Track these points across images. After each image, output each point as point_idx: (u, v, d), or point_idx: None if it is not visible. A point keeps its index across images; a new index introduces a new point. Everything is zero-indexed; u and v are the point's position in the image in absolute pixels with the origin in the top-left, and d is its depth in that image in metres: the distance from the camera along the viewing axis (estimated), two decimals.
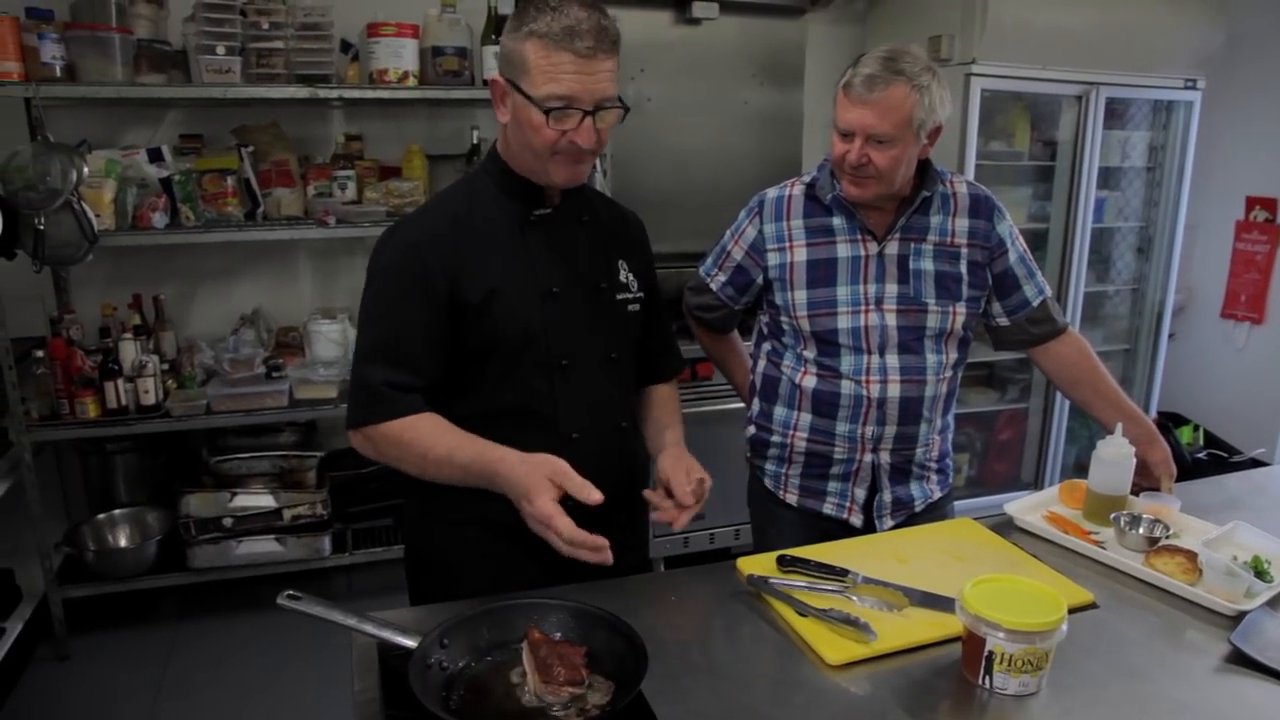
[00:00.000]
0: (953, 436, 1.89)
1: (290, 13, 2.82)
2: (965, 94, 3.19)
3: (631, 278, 1.55)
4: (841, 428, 1.75)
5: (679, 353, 1.74)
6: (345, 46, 3.01)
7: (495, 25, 2.94)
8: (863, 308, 1.71)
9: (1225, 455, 3.89)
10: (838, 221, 1.74)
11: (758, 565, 1.44)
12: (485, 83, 2.94)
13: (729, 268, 1.85)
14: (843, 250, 1.73)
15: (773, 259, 1.77)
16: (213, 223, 2.90)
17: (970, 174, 3.27)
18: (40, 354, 2.75)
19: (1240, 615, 1.31)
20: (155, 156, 2.90)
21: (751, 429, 1.91)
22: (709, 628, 1.36)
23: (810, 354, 1.77)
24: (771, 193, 1.81)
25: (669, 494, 1.43)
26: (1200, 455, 3.90)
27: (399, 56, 2.89)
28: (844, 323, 1.72)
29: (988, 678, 1.14)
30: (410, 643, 1.14)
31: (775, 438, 1.84)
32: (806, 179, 1.79)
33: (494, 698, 1.12)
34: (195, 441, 3.13)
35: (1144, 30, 3.37)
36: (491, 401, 1.43)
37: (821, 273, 1.73)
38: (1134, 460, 1.63)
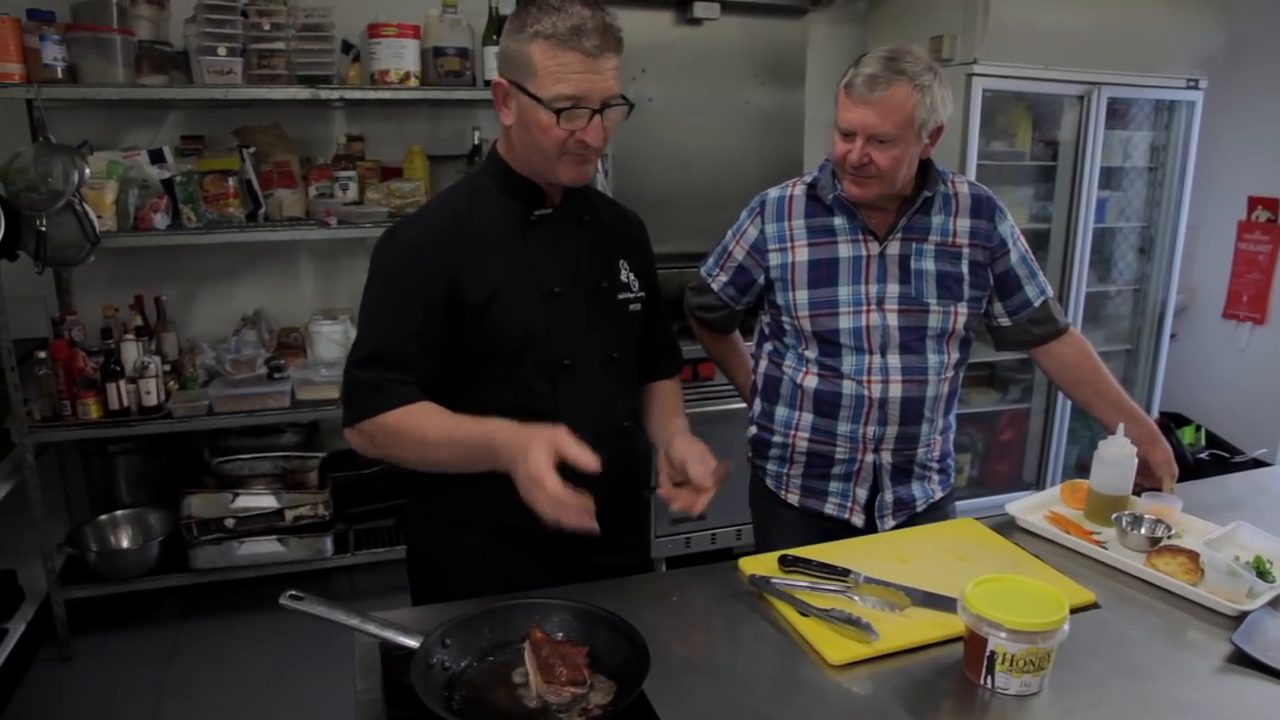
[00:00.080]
0: (954, 436, 1.89)
1: (291, 14, 2.82)
2: (967, 94, 3.19)
3: (632, 277, 1.55)
4: (843, 428, 1.75)
5: (679, 351, 1.74)
6: (346, 47, 3.01)
7: (496, 26, 2.94)
8: (864, 308, 1.71)
9: (1227, 455, 3.88)
10: (839, 221, 1.74)
11: (759, 565, 1.44)
12: (487, 83, 2.96)
13: (730, 268, 1.85)
14: (844, 250, 1.73)
15: (774, 259, 1.77)
16: (214, 224, 2.91)
17: (972, 174, 3.27)
18: (42, 355, 2.76)
19: (1242, 615, 1.31)
20: (157, 158, 2.90)
21: (753, 429, 1.91)
22: (711, 628, 1.36)
23: (812, 354, 1.77)
24: (773, 193, 1.81)
25: (677, 485, 1.41)
26: (1202, 455, 3.90)
27: (400, 57, 2.89)
28: (845, 323, 1.72)
29: (990, 678, 1.14)
30: (412, 643, 1.14)
31: (777, 438, 1.84)
32: (808, 179, 1.79)
33: (496, 698, 1.12)
34: (197, 442, 3.13)
35: (1146, 30, 3.36)
36: (492, 402, 1.42)
37: (823, 273, 1.73)
38: (1136, 460, 1.63)
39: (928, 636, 1.26)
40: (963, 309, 1.74)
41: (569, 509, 1.20)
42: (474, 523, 1.48)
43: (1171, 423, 4.02)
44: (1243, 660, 1.22)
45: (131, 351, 2.82)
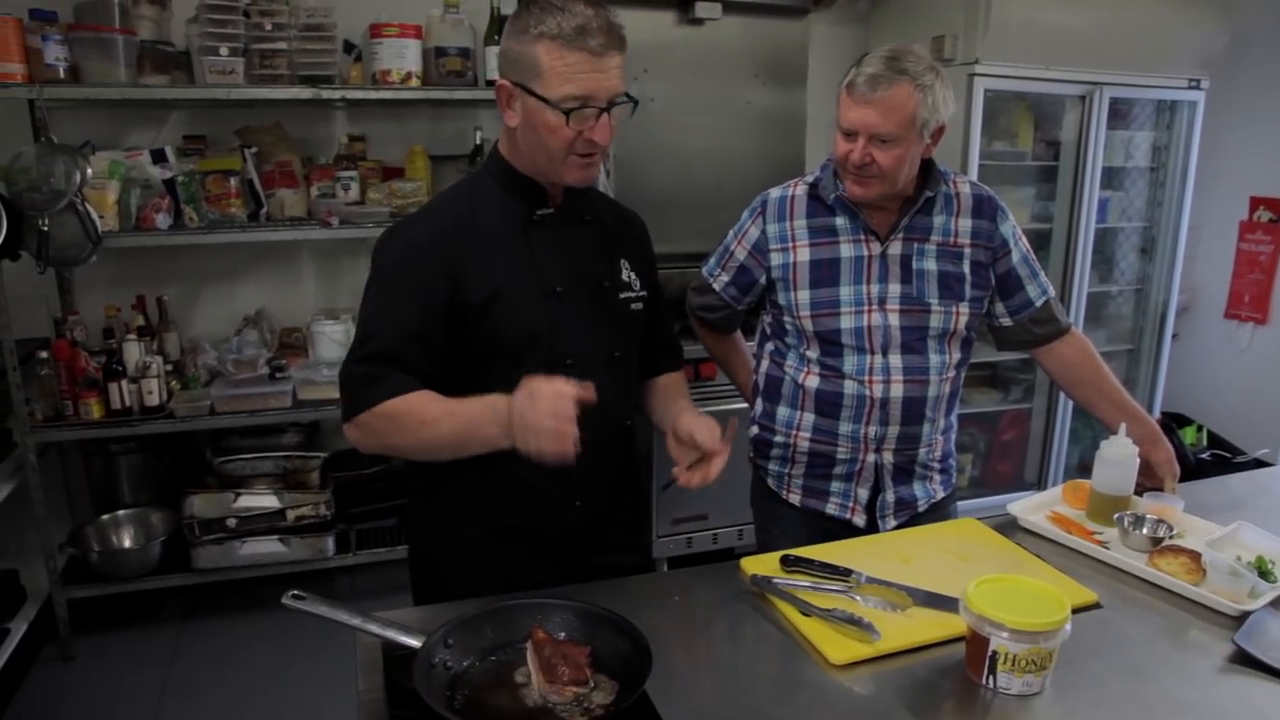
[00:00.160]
0: (956, 436, 1.89)
1: (293, 14, 2.82)
2: (968, 94, 3.18)
3: (634, 277, 1.55)
4: (844, 428, 1.75)
5: (680, 350, 1.74)
6: (348, 47, 3.01)
7: (498, 25, 2.94)
8: (866, 308, 1.71)
9: (1229, 456, 3.88)
10: (841, 221, 1.74)
11: (761, 565, 1.44)
12: (489, 83, 2.96)
13: (732, 268, 1.85)
14: (846, 250, 1.73)
15: (776, 259, 1.77)
16: (216, 224, 2.91)
17: (973, 174, 3.26)
18: (44, 355, 2.76)
19: (1244, 615, 1.31)
20: (159, 157, 2.90)
21: (754, 429, 1.91)
22: (712, 628, 1.36)
23: (813, 354, 1.77)
24: (774, 193, 1.81)
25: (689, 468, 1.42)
26: (1204, 455, 3.90)
27: (402, 57, 2.89)
28: (847, 323, 1.72)
29: (991, 677, 1.14)
30: (414, 642, 1.14)
31: (778, 438, 1.84)
32: (809, 179, 1.79)
33: (498, 697, 1.12)
34: (199, 442, 3.13)
35: (1148, 30, 3.36)
36: None
37: (824, 273, 1.73)
38: (1137, 460, 1.63)
39: (929, 636, 1.26)
40: (964, 309, 1.74)
41: (563, 418, 1.21)
42: (475, 522, 1.48)
43: (1173, 423, 4.01)
44: (1244, 660, 1.22)
45: (133, 351, 2.83)
